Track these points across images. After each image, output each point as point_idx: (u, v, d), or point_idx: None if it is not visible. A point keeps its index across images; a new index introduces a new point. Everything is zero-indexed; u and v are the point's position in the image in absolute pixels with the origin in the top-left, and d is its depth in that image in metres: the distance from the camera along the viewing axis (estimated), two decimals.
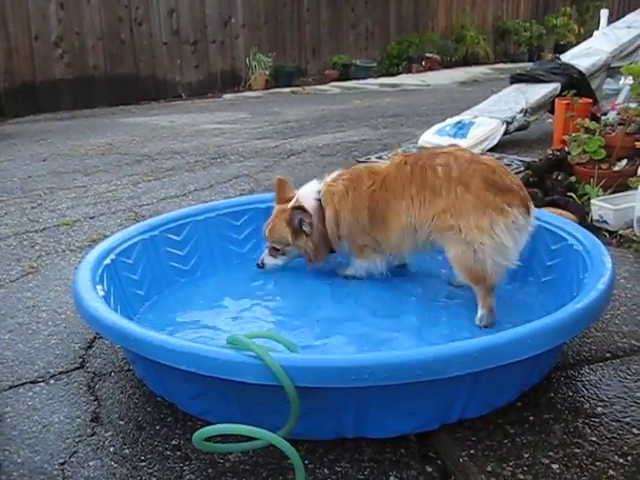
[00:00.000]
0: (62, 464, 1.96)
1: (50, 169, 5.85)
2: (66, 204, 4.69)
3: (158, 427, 2.11)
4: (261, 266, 3.07)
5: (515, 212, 2.53)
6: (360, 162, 5.55)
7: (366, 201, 2.86)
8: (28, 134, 7.89)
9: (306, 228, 2.94)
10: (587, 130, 4.39)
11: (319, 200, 2.97)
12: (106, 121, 8.84)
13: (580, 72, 5.93)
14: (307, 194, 3.02)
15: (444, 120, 6.15)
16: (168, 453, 1.99)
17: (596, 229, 3.60)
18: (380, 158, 5.58)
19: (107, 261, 2.63)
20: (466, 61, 14.31)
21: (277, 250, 3.04)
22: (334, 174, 3.05)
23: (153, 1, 10.56)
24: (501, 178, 2.58)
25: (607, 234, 3.63)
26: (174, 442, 2.04)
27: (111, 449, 2.02)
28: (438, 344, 2.29)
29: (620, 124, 4.41)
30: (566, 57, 6.30)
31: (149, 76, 10.74)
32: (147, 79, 10.71)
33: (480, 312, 2.56)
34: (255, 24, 11.80)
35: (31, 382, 2.39)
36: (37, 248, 3.81)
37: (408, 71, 13.21)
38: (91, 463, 1.96)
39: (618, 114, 4.74)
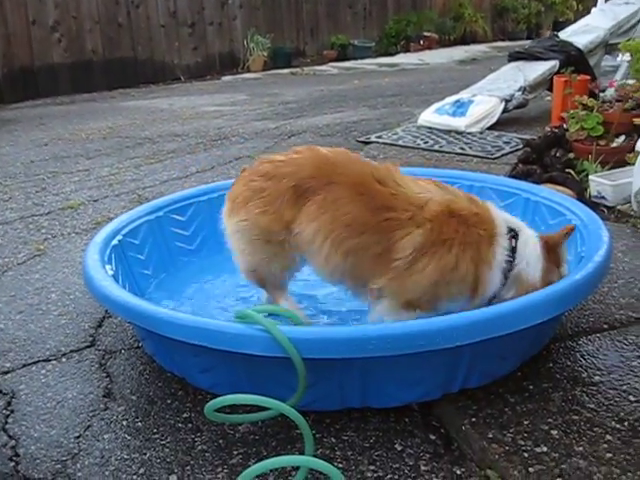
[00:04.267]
0: (77, 437, 2.02)
1: (52, 153, 5.89)
2: (70, 188, 4.74)
3: (169, 401, 2.17)
4: None
5: None
6: (360, 142, 5.60)
7: None
8: (28, 119, 7.91)
9: None
10: (585, 107, 4.42)
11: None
12: (105, 105, 8.85)
13: (578, 49, 5.95)
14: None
15: (443, 99, 6.18)
16: (180, 425, 2.05)
17: (594, 205, 3.64)
18: (380, 137, 5.62)
19: (115, 242, 2.69)
20: (464, 40, 14.29)
21: None
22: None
23: None
24: None
25: (605, 209, 3.67)
26: (185, 415, 2.10)
27: (124, 422, 2.08)
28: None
29: (618, 101, 4.44)
30: (564, 34, 6.32)
31: (147, 59, 10.74)
32: (145, 62, 10.72)
33: None
34: (252, 5, 11.78)
35: (44, 360, 2.45)
36: (43, 231, 3.86)
37: (406, 50, 13.21)
38: (105, 436, 2.02)
39: (616, 91, 4.77)
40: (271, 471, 1.81)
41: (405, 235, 2.13)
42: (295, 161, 2.36)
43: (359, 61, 12.22)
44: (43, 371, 2.39)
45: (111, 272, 2.42)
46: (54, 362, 2.44)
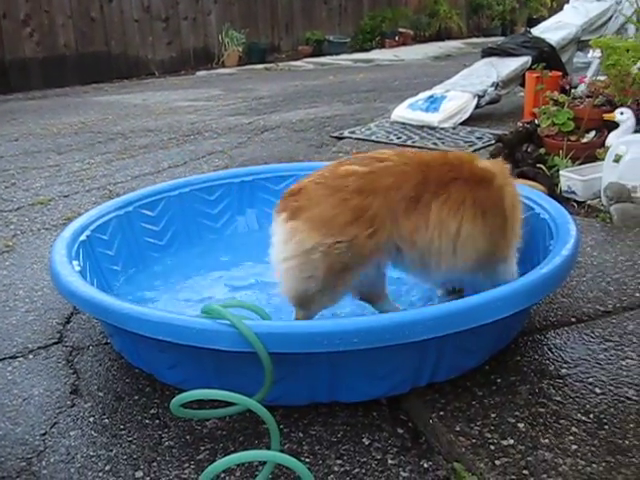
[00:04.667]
0: (43, 435, 2.00)
1: (22, 149, 5.82)
2: (40, 183, 4.68)
3: (137, 397, 2.16)
4: None
5: None
6: (333, 137, 5.60)
7: None
8: None
9: None
10: (556, 103, 4.45)
11: None
12: (78, 100, 8.76)
13: (550, 46, 5.99)
14: None
15: (417, 95, 6.19)
16: (147, 422, 2.04)
17: (565, 199, 3.67)
18: (353, 133, 5.62)
19: (82, 237, 2.66)
20: (439, 36, 14.33)
21: None
22: None
23: None
24: None
25: (575, 204, 3.70)
26: (152, 411, 2.08)
27: (91, 419, 2.06)
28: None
29: (588, 97, 4.47)
30: (537, 31, 6.36)
31: (121, 54, 10.65)
32: (119, 57, 10.62)
33: None
34: (227, 0, 11.71)
35: (10, 357, 2.42)
36: (12, 227, 3.81)
37: (381, 46, 13.21)
38: (72, 433, 2.00)
39: (587, 87, 4.80)
40: (237, 466, 1.81)
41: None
42: (390, 170, 2.23)
43: (334, 57, 12.20)
44: (9, 368, 2.36)
45: (78, 268, 2.40)
46: (21, 359, 2.41)
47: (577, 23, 6.23)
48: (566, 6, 6.95)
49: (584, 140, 4.24)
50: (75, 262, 2.43)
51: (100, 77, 10.23)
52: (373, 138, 5.41)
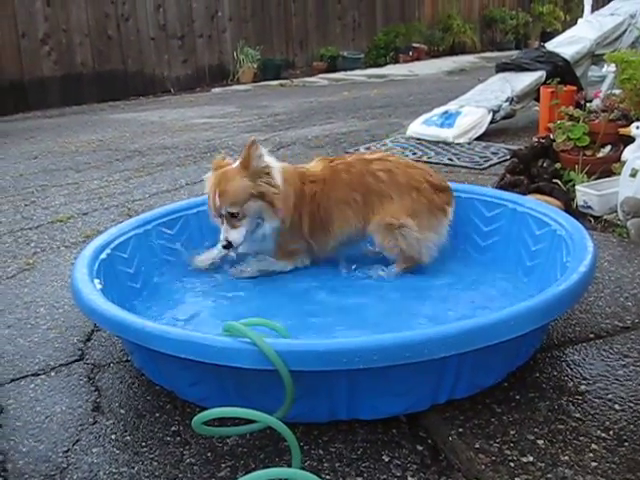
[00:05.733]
0: (66, 452, 2.02)
1: (42, 167, 5.89)
2: (59, 201, 4.74)
3: (158, 414, 2.18)
4: (227, 245, 2.79)
5: (450, 210, 2.95)
6: (349, 153, 5.62)
7: (308, 206, 2.92)
8: (18, 132, 7.91)
9: (262, 164, 2.80)
10: (571, 117, 4.46)
11: (282, 170, 2.92)
12: (95, 117, 8.86)
13: (565, 60, 6.01)
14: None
15: (431, 110, 6.22)
16: (168, 439, 2.06)
17: (581, 215, 3.67)
18: (368, 149, 5.65)
19: (103, 255, 2.69)
20: (453, 50, 14.39)
21: (234, 216, 2.76)
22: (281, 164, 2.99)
23: None
24: (436, 179, 2.96)
25: (592, 219, 3.70)
26: (173, 428, 2.10)
27: (113, 436, 2.09)
28: (425, 327, 2.38)
29: (604, 111, 4.48)
30: (551, 45, 6.38)
31: (137, 72, 10.76)
32: (135, 75, 10.74)
33: (393, 270, 2.90)
34: (242, 17, 11.83)
35: (32, 375, 2.45)
36: (32, 245, 3.86)
37: (395, 61, 13.27)
38: (94, 450, 2.02)
39: (602, 101, 4.81)
40: None
41: None
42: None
43: (348, 72, 12.26)
44: (32, 385, 2.39)
45: (100, 286, 2.43)
46: (43, 376, 2.44)
47: (591, 37, 6.24)
48: (580, 20, 6.98)
49: (600, 155, 4.24)
50: (97, 280, 2.46)
51: (117, 95, 10.36)
52: (389, 154, 5.42)
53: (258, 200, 2.79)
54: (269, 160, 2.87)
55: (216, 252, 3.01)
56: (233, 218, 2.78)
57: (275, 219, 2.84)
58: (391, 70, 12.48)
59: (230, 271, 3.01)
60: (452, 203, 2.97)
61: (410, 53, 13.48)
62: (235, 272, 3.00)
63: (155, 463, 1.95)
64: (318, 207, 2.93)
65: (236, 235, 2.78)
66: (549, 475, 1.77)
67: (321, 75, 12.13)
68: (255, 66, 11.70)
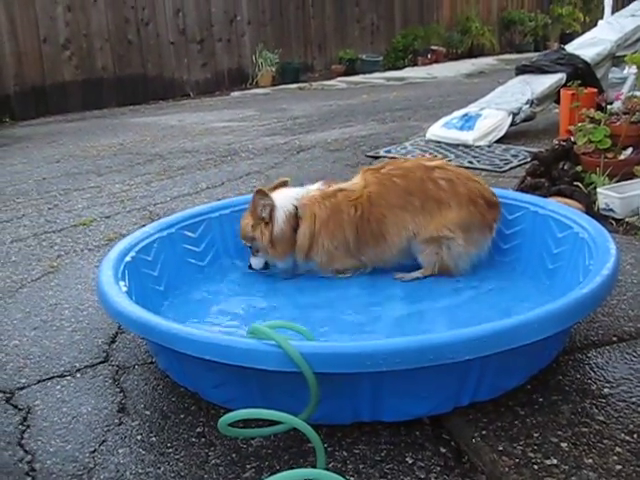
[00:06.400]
0: (93, 452, 2.05)
1: (64, 170, 5.96)
2: (82, 204, 4.79)
3: (182, 416, 2.20)
4: (250, 267, 3.09)
5: (496, 226, 2.97)
6: (369, 157, 5.64)
7: (351, 226, 2.92)
8: (40, 136, 8.00)
9: (264, 213, 2.94)
10: (592, 120, 4.45)
11: (296, 207, 2.98)
12: (116, 122, 8.94)
13: (585, 62, 5.98)
14: (285, 195, 3.02)
15: (451, 113, 6.22)
16: (193, 440, 2.08)
17: (603, 217, 3.66)
18: (389, 152, 5.65)
19: (128, 258, 2.73)
20: (472, 53, 14.35)
21: (250, 248, 3.06)
22: (315, 187, 3.06)
23: (159, 1, 10.68)
24: (489, 194, 2.97)
25: (614, 222, 3.68)
26: (198, 429, 2.13)
27: (138, 437, 2.11)
28: (448, 330, 2.38)
29: (625, 113, 4.46)
30: (571, 47, 6.36)
31: (157, 76, 10.84)
32: (155, 79, 10.82)
33: (419, 274, 2.95)
34: (260, 21, 11.88)
35: (58, 376, 2.49)
36: (56, 248, 3.91)
37: (414, 64, 13.26)
38: (120, 451, 2.05)
39: (623, 103, 4.79)
40: None
41: None
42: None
43: (367, 75, 12.28)
44: (58, 387, 2.42)
45: (125, 288, 2.46)
46: (69, 378, 2.47)
47: (612, 39, 6.21)
48: (600, 22, 6.95)
49: (621, 157, 4.22)
50: (122, 283, 2.49)
51: (137, 99, 10.44)
52: (409, 157, 5.43)
53: (257, 242, 3.01)
54: (281, 203, 2.97)
55: None
56: (250, 248, 3.06)
57: (276, 261, 3.04)
58: (410, 73, 12.47)
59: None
60: (499, 219, 2.99)
61: (428, 56, 13.46)
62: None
63: (180, 464, 1.97)
64: (368, 220, 2.92)
65: (255, 262, 3.08)
66: (573, 478, 1.77)
67: (340, 78, 12.15)
68: (274, 69, 11.75)
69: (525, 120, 5.98)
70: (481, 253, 2.94)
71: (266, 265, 3.07)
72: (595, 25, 6.94)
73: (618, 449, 1.88)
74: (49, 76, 9.80)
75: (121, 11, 10.34)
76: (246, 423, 2.05)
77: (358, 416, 2.06)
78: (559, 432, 1.96)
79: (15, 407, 2.30)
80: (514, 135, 5.88)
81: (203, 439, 2.08)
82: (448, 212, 2.86)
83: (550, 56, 6.37)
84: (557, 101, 5.87)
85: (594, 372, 2.27)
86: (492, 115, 5.87)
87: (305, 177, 5.05)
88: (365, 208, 2.91)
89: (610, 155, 4.20)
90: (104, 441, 2.10)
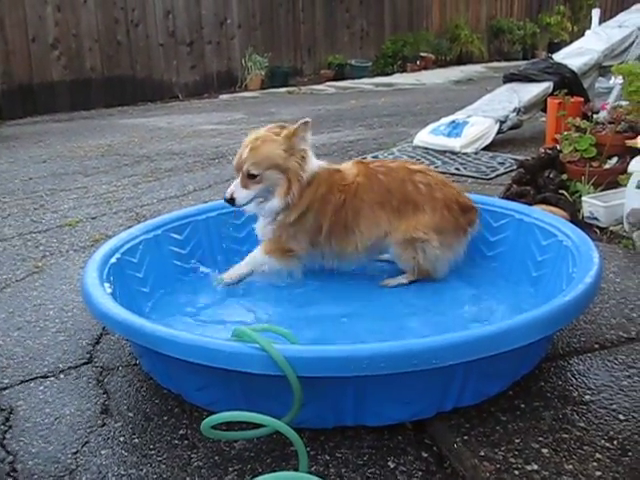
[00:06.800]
0: (75, 453, 2.05)
1: (50, 170, 5.94)
2: (68, 205, 4.77)
3: (166, 418, 2.20)
4: (229, 200, 2.82)
5: (471, 230, 3.01)
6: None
7: (334, 209, 2.91)
8: (27, 136, 7.96)
9: (303, 145, 2.83)
10: (578, 129, 4.48)
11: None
12: (104, 122, 8.91)
13: (572, 71, 6.03)
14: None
15: (439, 119, 6.24)
16: (176, 442, 2.08)
17: (587, 226, 3.69)
18: (376, 158, 5.67)
19: (113, 260, 2.72)
20: (460, 60, 14.42)
21: (253, 177, 2.78)
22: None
23: (149, 3, 10.65)
24: (464, 199, 3.02)
25: (598, 230, 3.71)
26: (181, 432, 2.13)
27: (121, 439, 2.11)
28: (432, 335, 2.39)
29: (610, 123, 4.50)
30: (558, 56, 6.40)
31: (146, 77, 10.82)
32: (144, 80, 10.79)
33: (403, 280, 2.97)
34: (250, 25, 11.88)
35: (41, 377, 2.48)
36: (41, 248, 3.89)
37: (403, 70, 13.30)
38: (102, 452, 2.05)
39: (609, 113, 4.83)
40: None
41: None
42: None
43: (356, 81, 12.29)
44: (41, 387, 2.41)
45: (109, 290, 2.46)
46: (52, 378, 2.47)
47: (599, 49, 6.26)
48: (588, 32, 6.99)
49: (606, 166, 4.25)
50: (107, 284, 2.48)
51: (125, 100, 10.42)
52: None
53: (280, 173, 2.81)
54: (310, 151, 2.90)
55: (244, 269, 2.96)
56: (249, 178, 2.80)
57: (282, 200, 2.83)
58: (398, 79, 12.51)
59: (218, 277, 2.97)
60: (474, 224, 3.02)
61: (417, 62, 13.52)
62: (225, 277, 2.95)
63: (163, 466, 1.97)
64: (347, 211, 2.91)
65: (242, 195, 2.82)
66: None
67: (328, 83, 12.17)
68: (263, 73, 11.75)
69: (512, 128, 6.02)
70: (457, 257, 2.98)
71: (246, 203, 2.85)
72: (583, 35, 6.99)
73: (598, 455, 1.89)
74: (37, 75, 9.75)
75: (111, 12, 10.31)
76: (229, 426, 2.06)
77: (341, 420, 2.07)
78: (540, 438, 1.98)
79: None
80: (501, 143, 5.92)
81: (186, 441, 2.08)
82: (422, 215, 2.89)
83: (538, 65, 6.42)
84: (544, 109, 5.91)
85: (575, 379, 2.29)
86: (479, 122, 5.90)
87: None
88: (348, 197, 2.91)
89: (595, 164, 4.24)
90: (87, 442, 2.10)
